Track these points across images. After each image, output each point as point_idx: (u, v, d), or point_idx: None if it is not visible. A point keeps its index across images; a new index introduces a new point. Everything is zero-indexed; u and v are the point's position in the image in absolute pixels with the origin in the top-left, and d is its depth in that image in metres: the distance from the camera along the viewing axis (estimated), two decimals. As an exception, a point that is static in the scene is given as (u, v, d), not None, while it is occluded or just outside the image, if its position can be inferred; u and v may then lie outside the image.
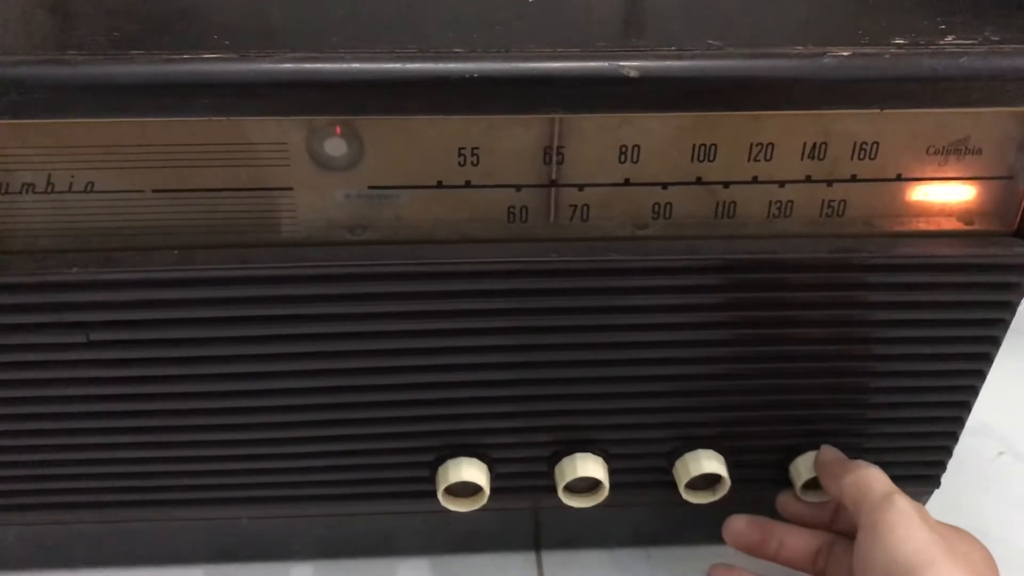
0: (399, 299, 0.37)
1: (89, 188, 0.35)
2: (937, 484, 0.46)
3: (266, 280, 0.36)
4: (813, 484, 0.43)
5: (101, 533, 0.44)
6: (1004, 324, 0.39)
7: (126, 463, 0.41)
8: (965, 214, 0.38)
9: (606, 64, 0.32)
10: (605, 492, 0.42)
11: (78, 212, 0.35)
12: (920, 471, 0.45)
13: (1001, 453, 0.54)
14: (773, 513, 0.45)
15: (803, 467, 0.43)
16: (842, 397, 0.41)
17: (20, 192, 0.34)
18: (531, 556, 0.48)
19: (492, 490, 0.42)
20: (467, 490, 0.42)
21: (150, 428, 0.40)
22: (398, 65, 0.32)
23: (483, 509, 0.43)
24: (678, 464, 0.42)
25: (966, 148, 0.36)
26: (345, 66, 0.32)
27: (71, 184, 0.34)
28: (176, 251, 0.36)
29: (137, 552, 0.46)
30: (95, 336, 0.37)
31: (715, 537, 0.48)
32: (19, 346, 0.37)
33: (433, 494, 0.42)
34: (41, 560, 0.46)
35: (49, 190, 0.34)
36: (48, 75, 0.31)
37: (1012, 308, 0.39)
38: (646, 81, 0.32)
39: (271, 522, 0.45)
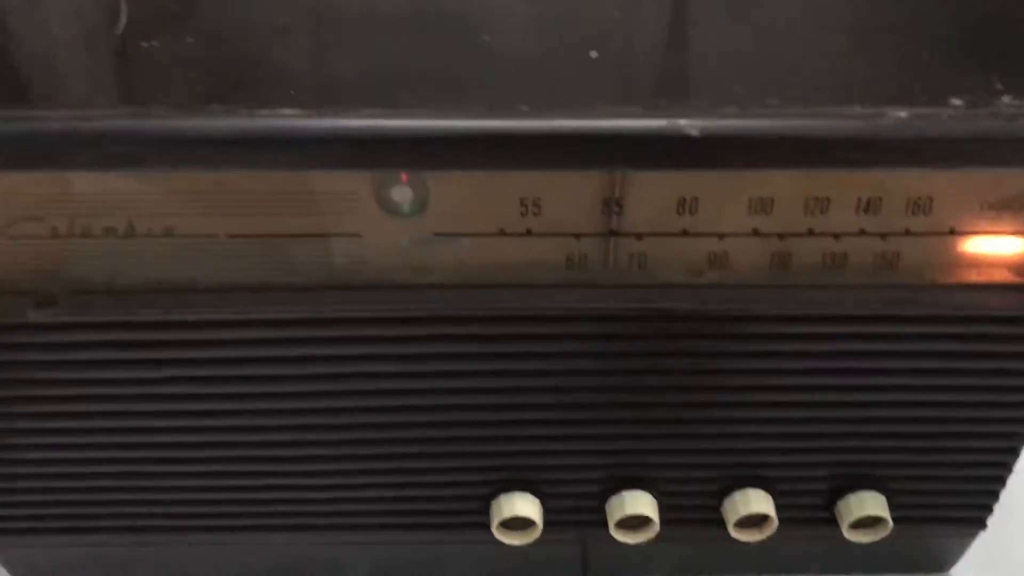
0: (458, 341, 0.39)
1: (167, 232, 0.36)
2: (982, 526, 0.46)
3: (333, 322, 0.38)
4: (858, 524, 0.44)
5: (167, 555, 0.46)
6: (1055, 375, 0.40)
7: (194, 490, 0.43)
8: (1018, 266, 0.38)
9: (666, 123, 0.33)
10: (656, 529, 0.43)
11: (157, 255, 0.36)
12: (965, 513, 0.45)
13: (1048, 492, 0.54)
14: (810, 550, 0.46)
15: (849, 506, 0.43)
16: (890, 442, 0.42)
17: (101, 236, 0.36)
18: (578, 585, 0.49)
19: (544, 524, 0.43)
20: (520, 524, 0.43)
21: (219, 458, 0.41)
22: (465, 123, 0.33)
23: (534, 542, 0.44)
24: (727, 503, 0.43)
25: (1020, 204, 0.37)
26: (415, 123, 0.33)
27: (150, 229, 0.36)
28: (248, 293, 0.37)
29: (201, 573, 0.48)
30: (168, 372, 0.38)
31: (758, 569, 0.49)
32: (97, 380, 0.38)
33: (485, 526, 0.44)
34: (108, 578, 0.48)
35: (129, 234, 0.36)
36: (131, 129, 0.33)
37: (1063, 359, 0.39)
38: (707, 140, 0.33)
39: (323, 548, 0.47)
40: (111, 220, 0.36)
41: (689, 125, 0.33)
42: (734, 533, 0.44)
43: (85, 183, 0.35)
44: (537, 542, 0.44)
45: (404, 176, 0.36)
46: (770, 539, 0.44)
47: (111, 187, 0.35)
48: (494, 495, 0.43)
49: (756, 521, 0.44)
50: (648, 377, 0.40)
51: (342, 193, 0.36)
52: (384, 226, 0.37)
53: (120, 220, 0.36)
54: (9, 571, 0.48)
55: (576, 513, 0.44)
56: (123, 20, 0.38)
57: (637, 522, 0.44)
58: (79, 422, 0.40)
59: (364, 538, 0.45)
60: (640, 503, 0.42)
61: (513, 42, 0.37)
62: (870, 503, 0.43)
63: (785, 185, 0.36)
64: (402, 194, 0.36)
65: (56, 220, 0.36)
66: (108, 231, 0.36)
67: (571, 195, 0.36)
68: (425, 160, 0.34)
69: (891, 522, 0.43)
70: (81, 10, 0.39)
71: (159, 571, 0.48)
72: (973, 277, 0.38)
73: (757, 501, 0.43)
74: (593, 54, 0.37)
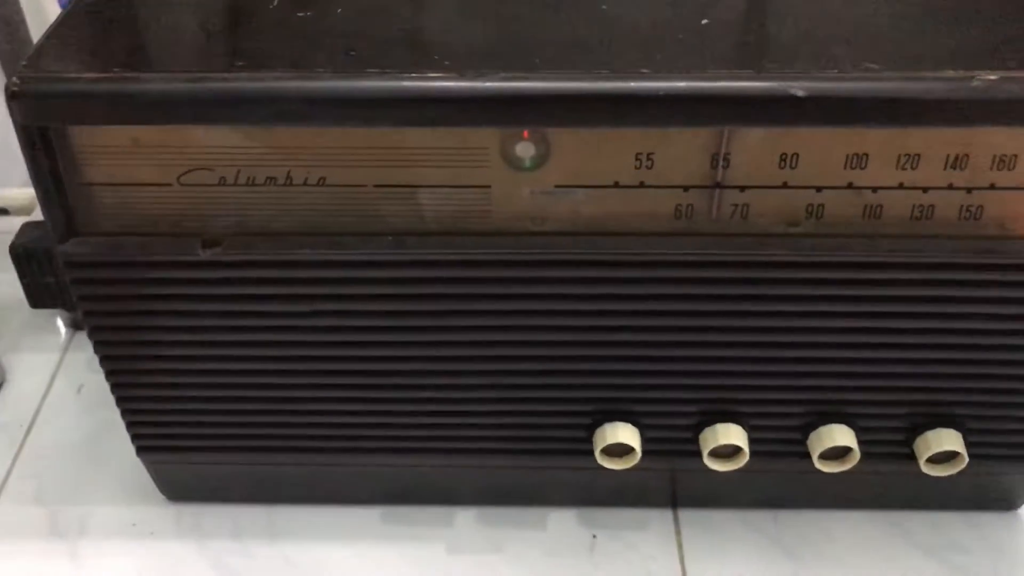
0: (573, 283, 0.43)
1: (321, 182, 0.41)
2: (1056, 466, 0.49)
3: (464, 263, 0.42)
4: (934, 459, 0.47)
5: (300, 474, 0.51)
6: None
7: (330, 414, 0.48)
8: (1095, 220, 0.41)
9: (776, 84, 0.37)
10: (746, 458, 0.47)
11: (311, 202, 0.41)
12: (1039, 453, 0.48)
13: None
14: (886, 486, 0.50)
15: (927, 442, 0.47)
16: (968, 383, 0.45)
17: (264, 184, 0.41)
18: (668, 513, 0.53)
19: (642, 452, 0.48)
20: (620, 451, 0.48)
21: (355, 385, 0.46)
22: (591, 84, 0.37)
23: (629, 469, 0.48)
24: (812, 436, 0.47)
25: (1099, 161, 0.39)
26: (546, 84, 0.37)
27: (306, 179, 0.41)
28: (390, 237, 0.42)
29: (326, 492, 0.53)
30: (318, 307, 0.43)
31: (839, 503, 0.53)
32: (255, 312, 0.43)
33: (588, 452, 0.48)
34: (245, 495, 0.53)
35: (288, 183, 0.41)
36: (302, 88, 0.37)
37: None
38: (812, 100, 0.37)
39: (441, 470, 0.52)
40: (273, 171, 0.41)
41: (796, 87, 0.37)
42: (819, 465, 0.48)
43: (250, 138, 0.40)
44: (633, 470, 0.48)
45: (526, 133, 0.40)
46: (851, 474, 0.48)
47: (273, 141, 0.40)
48: (598, 424, 0.48)
49: (839, 454, 0.48)
50: (744, 319, 0.43)
51: (475, 149, 0.40)
52: (510, 179, 0.41)
53: (280, 171, 0.41)
54: (158, 486, 0.53)
55: (672, 443, 0.48)
56: (281, -9, 0.42)
57: (728, 452, 0.48)
58: (235, 350, 0.45)
59: (477, 461, 0.50)
60: (731, 434, 0.46)
61: (630, 10, 0.41)
62: (947, 439, 0.47)
63: (879, 142, 0.39)
64: (525, 149, 0.40)
65: (224, 170, 0.41)
66: (269, 180, 0.41)
67: (682, 150, 0.40)
68: (556, 119, 0.38)
69: (967, 457, 0.47)
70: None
71: (293, 491, 0.53)
72: (1052, 229, 0.41)
73: (841, 435, 0.46)
74: (704, 21, 0.41)
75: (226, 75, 0.37)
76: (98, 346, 0.45)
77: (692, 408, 0.47)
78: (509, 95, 0.37)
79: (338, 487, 0.53)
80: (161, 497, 0.54)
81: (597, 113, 0.37)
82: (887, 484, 0.52)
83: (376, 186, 0.41)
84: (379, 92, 0.37)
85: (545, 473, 0.52)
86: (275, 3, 0.42)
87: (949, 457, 0.47)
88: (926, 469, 0.48)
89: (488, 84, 0.37)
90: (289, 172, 0.41)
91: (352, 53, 0.39)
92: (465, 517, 0.53)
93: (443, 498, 0.54)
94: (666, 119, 0.38)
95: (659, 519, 0.53)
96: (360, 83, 0.37)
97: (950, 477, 0.48)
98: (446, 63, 0.38)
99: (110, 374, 0.46)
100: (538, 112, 0.37)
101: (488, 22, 0.41)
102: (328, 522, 0.53)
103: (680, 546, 0.52)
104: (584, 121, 0.38)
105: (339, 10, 0.42)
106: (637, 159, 0.40)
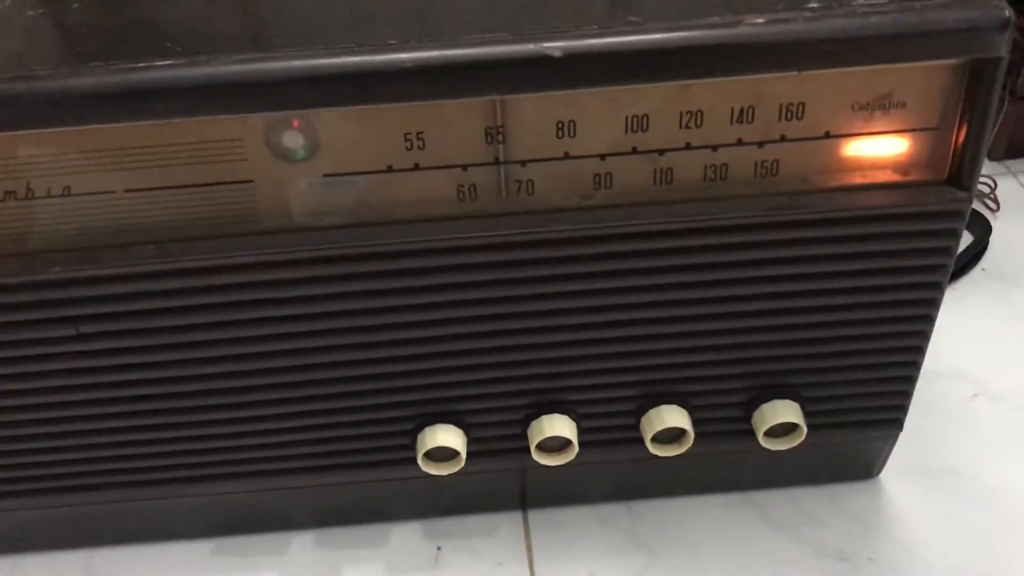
0: (363, 279, 0.40)
1: (66, 192, 0.37)
2: (900, 427, 0.47)
3: (237, 268, 0.39)
4: (772, 433, 0.45)
5: (107, 513, 0.48)
6: (945, 269, 0.41)
7: (123, 446, 0.44)
8: (899, 166, 0.39)
9: (532, 46, 0.34)
10: (575, 450, 0.45)
11: (57, 215, 0.38)
12: (880, 415, 0.46)
13: (975, 395, 0.55)
14: (737, 465, 0.48)
15: (762, 416, 0.45)
16: (795, 349, 0.43)
17: (2, 200, 0.37)
18: (518, 515, 0.51)
19: (471, 454, 0.45)
20: (446, 455, 0.45)
21: (143, 412, 0.43)
22: (333, 60, 0.34)
23: (470, 473, 0.45)
24: (643, 420, 0.45)
25: (890, 103, 0.38)
26: (283, 64, 0.34)
27: (49, 189, 0.37)
28: (151, 246, 0.38)
29: (143, 530, 0.49)
30: (84, 329, 0.40)
31: (688, 489, 0.50)
32: (15, 342, 0.40)
33: (413, 460, 0.45)
34: (50, 541, 0.49)
35: (29, 196, 0.37)
36: (11, 92, 0.34)
37: (950, 253, 0.40)
38: (571, 59, 0.34)
39: (269, 495, 0.48)
40: (9, 184, 0.37)
41: (552, 47, 0.34)
42: (653, 449, 0.45)
43: (-18, 150, 0.36)
44: (473, 473, 0.45)
45: (296, 122, 0.37)
46: (694, 456, 0.46)
47: (5, 150, 0.36)
48: (419, 428, 0.45)
49: (674, 436, 0.45)
50: (549, 301, 0.41)
51: (227, 141, 0.37)
52: (277, 172, 0.38)
53: (19, 184, 0.37)
54: (-34, 540, 0.49)
55: (500, 442, 0.46)
56: (8, -10, 0.39)
57: (559, 444, 0.45)
58: (20, 384, 0.41)
59: (302, 481, 0.47)
60: (557, 426, 0.44)
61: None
62: (783, 410, 0.44)
63: (658, 101, 0.37)
64: (293, 139, 0.37)
65: (-43, 188, 0.37)
66: (8, 195, 0.37)
67: (453, 126, 0.37)
68: (295, 100, 0.35)
69: (805, 428, 0.44)
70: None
71: (104, 533, 0.49)
72: (856, 180, 0.39)
73: (672, 416, 0.44)
74: (455, -10, 0.38)
75: (-70, 81, 0.34)
76: None
77: (513, 402, 0.44)
78: (241, 79, 0.34)
79: (164, 522, 0.49)
80: (-31, 551, 0.50)
81: (341, 92, 0.35)
82: (738, 464, 0.49)
83: (127, 191, 0.38)
84: (99, 87, 0.34)
85: (382, 486, 0.49)
86: (7, 3, 0.39)
87: (788, 430, 0.45)
88: (765, 443, 0.45)
89: (218, 69, 0.34)
90: (28, 183, 0.37)
91: (78, 48, 0.36)
92: (302, 542, 0.50)
93: (277, 524, 0.50)
94: (418, 92, 0.35)
95: (508, 523, 0.50)
96: (77, 81, 0.34)
97: (803, 450, 0.46)
98: (177, 49, 0.35)
99: None
100: (271, 95, 0.34)
101: (226, 10, 0.38)
102: (154, 561, 0.49)
103: (529, 548, 0.49)
104: (325, 101, 0.35)
105: (75, 5, 0.38)
106: (407, 139, 0.37)
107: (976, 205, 0.68)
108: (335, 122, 0.37)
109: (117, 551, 0.50)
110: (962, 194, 0.39)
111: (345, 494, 0.49)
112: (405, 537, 0.50)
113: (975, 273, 0.64)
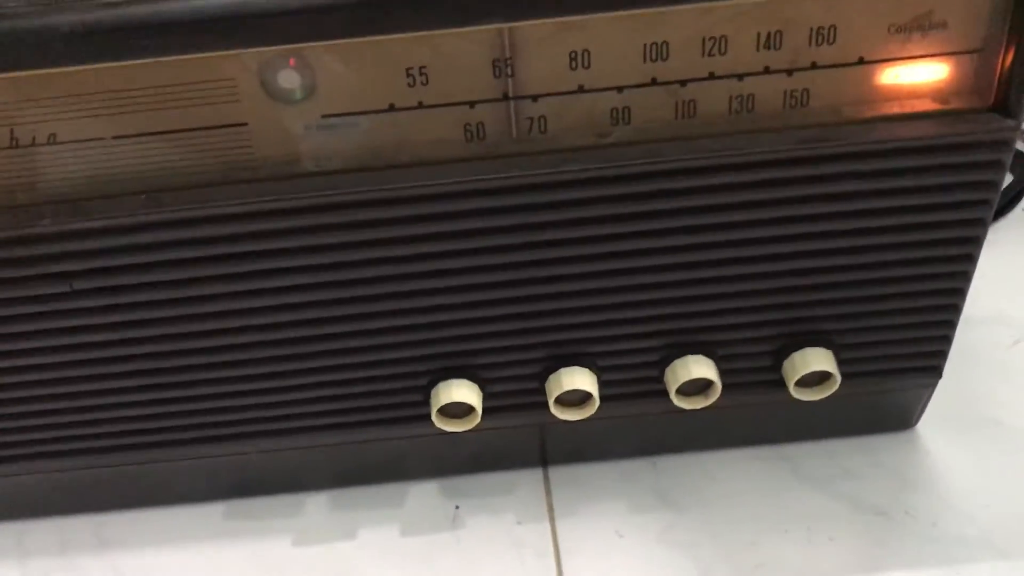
0: (368, 227, 0.38)
1: (52, 140, 0.35)
2: (939, 375, 0.45)
3: (236, 217, 0.37)
4: (804, 382, 0.43)
5: (115, 477, 0.46)
6: (989, 205, 0.38)
7: (127, 407, 0.42)
8: (938, 93, 0.37)
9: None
10: (596, 404, 0.42)
11: (44, 164, 0.36)
12: (919, 363, 0.44)
13: (1017, 341, 0.53)
14: (768, 418, 0.45)
15: (793, 365, 0.42)
16: (827, 294, 0.41)
17: (-13, 149, 0.35)
18: (538, 472, 0.49)
19: (487, 409, 0.43)
20: (461, 411, 0.43)
21: (145, 371, 0.41)
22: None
23: (487, 429, 0.43)
24: (668, 372, 0.42)
25: (930, 23, 0.35)
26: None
27: (34, 137, 0.35)
28: (144, 195, 0.36)
29: (153, 494, 0.48)
30: (79, 285, 0.38)
31: (717, 443, 0.48)
32: (8, 300, 0.38)
33: (427, 417, 0.43)
34: (58, 507, 0.48)
35: (14, 145, 0.35)
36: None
37: (996, 187, 0.38)
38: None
39: (282, 455, 0.47)
40: (-6, 132, 0.35)
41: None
42: (678, 402, 0.43)
43: (-38, 97, 0.34)
44: (491, 429, 0.44)
45: (292, 60, 0.35)
46: (722, 409, 0.43)
47: (-13, 97, 0.34)
48: (433, 384, 0.43)
49: (700, 388, 0.43)
50: (566, 247, 0.38)
51: (218, 81, 0.35)
52: (273, 114, 0.36)
53: (2, 132, 0.35)
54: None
55: (518, 396, 0.44)
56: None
57: (579, 398, 0.43)
58: (24, 343, 0.40)
59: (315, 440, 0.45)
60: (577, 379, 0.42)
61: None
62: (815, 358, 0.42)
63: (679, 26, 0.34)
64: (289, 78, 0.35)
65: (-61, 138, 0.35)
66: (-8, 144, 0.35)
67: (458, 60, 0.35)
68: (281, 35, 0.33)
69: (839, 377, 0.42)
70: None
71: (113, 496, 0.48)
72: (892, 110, 0.37)
73: (698, 366, 0.42)
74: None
75: (-100, 22, 0.32)
76: None
77: (530, 355, 0.42)
78: (236, 12, 0.32)
79: (173, 486, 0.48)
80: (-23, 518, 0.49)
81: (331, 23, 0.32)
82: (767, 416, 0.47)
83: (115, 137, 0.36)
84: (81, 24, 0.32)
85: (398, 444, 0.47)
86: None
87: (821, 379, 0.43)
88: (797, 394, 0.43)
89: (209, 1, 0.32)
90: (12, 131, 0.35)
91: (57, -15, 0.33)
92: (316, 503, 0.49)
93: (290, 485, 0.49)
94: (421, 21, 0.33)
95: (528, 480, 0.49)
96: (57, 17, 0.32)
97: (836, 400, 0.44)
98: (157, -16, 0.32)
99: None
100: (271, 29, 0.32)
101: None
102: (165, 525, 0.48)
103: (551, 507, 0.47)
104: (314, 34, 0.33)
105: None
106: (409, 75, 0.35)
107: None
108: (332, 58, 0.35)
109: (126, 515, 0.48)
110: (1010, 122, 0.36)
111: (360, 453, 0.47)
112: (422, 496, 0.48)
113: (1015, 213, 0.61)
